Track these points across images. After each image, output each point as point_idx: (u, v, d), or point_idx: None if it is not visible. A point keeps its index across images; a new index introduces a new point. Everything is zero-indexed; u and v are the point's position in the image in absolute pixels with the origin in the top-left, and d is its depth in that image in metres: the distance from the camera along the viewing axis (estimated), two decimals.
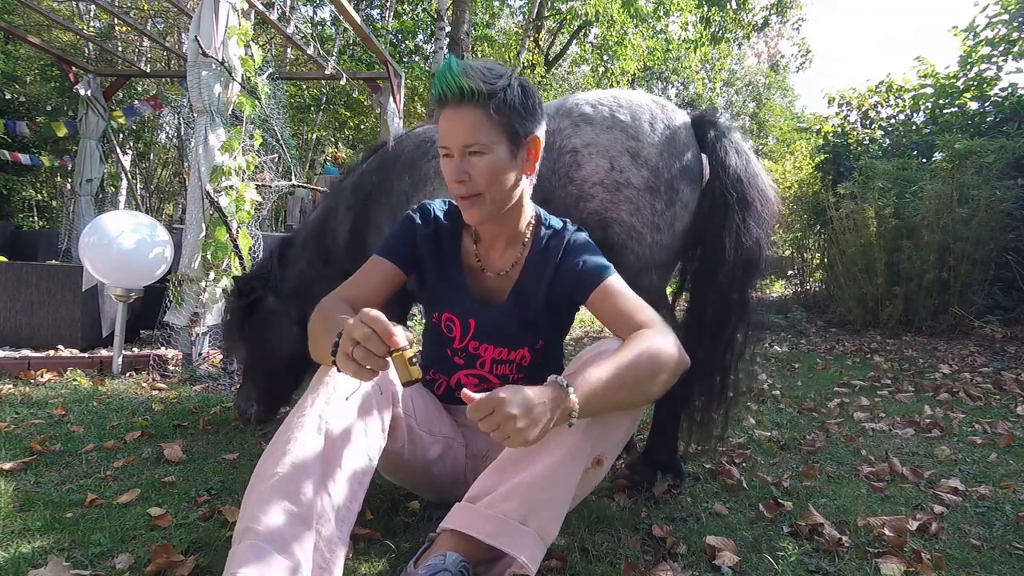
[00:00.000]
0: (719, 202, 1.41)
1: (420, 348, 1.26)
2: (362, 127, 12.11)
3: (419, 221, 1.19)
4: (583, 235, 1.18)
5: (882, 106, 6.62)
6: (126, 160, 8.98)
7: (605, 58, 11.07)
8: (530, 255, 1.18)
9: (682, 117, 1.51)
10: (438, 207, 1.22)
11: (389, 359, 0.84)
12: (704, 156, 1.49)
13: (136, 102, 6.04)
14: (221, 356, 2.93)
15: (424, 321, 1.31)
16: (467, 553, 0.92)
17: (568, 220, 1.22)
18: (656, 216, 1.41)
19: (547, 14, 10.63)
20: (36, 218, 10.60)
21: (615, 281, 1.10)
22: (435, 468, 1.19)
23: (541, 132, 1.10)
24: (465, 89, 1.00)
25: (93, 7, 8.85)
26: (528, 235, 1.18)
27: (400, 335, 0.82)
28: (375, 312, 0.84)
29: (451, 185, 1.06)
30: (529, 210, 1.18)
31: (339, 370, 0.87)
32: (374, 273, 1.13)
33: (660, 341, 0.98)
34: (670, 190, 1.42)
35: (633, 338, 1.00)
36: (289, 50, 10.76)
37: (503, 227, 1.15)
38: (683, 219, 1.45)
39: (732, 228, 1.40)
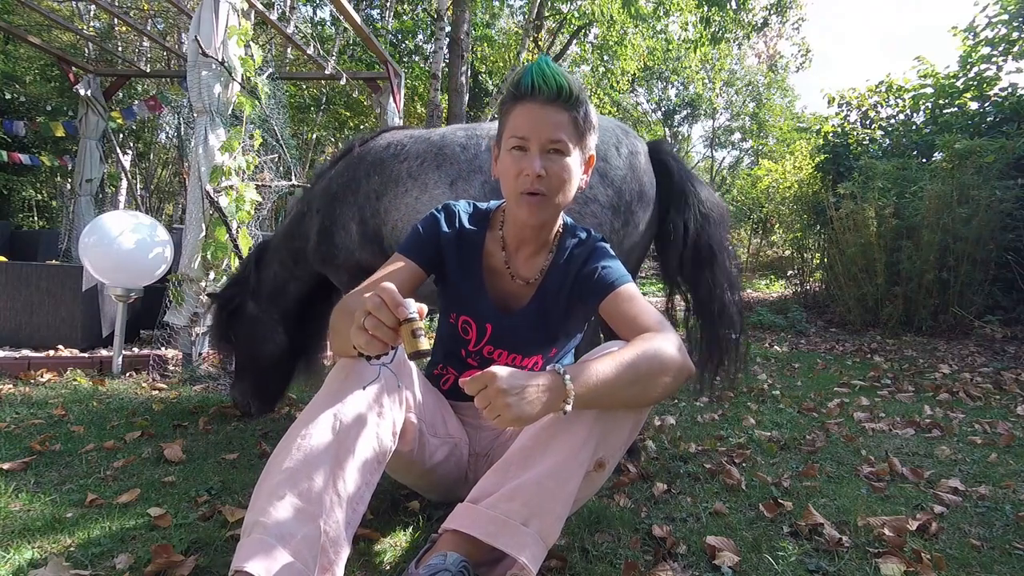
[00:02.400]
0: (683, 220, 1.64)
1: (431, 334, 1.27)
2: (362, 127, 12.10)
3: (443, 222, 1.18)
4: (606, 245, 1.18)
5: (882, 106, 6.62)
6: (126, 160, 8.99)
7: (605, 58, 11.07)
8: (554, 263, 1.18)
9: (642, 144, 1.67)
10: (462, 209, 1.21)
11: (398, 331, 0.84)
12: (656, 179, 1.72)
13: (135, 104, 6.02)
14: (221, 356, 2.94)
15: (438, 319, 1.31)
16: (468, 553, 0.92)
17: (592, 229, 1.22)
18: (613, 233, 1.57)
19: (547, 14, 10.62)
20: (36, 218, 10.61)
21: (629, 288, 1.10)
22: (440, 469, 1.19)
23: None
24: (564, 89, 1.02)
25: (93, 7, 8.85)
26: (555, 243, 1.19)
27: (409, 306, 0.82)
28: (387, 284, 0.85)
29: (522, 178, 1.04)
30: (560, 219, 1.19)
31: (360, 354, 0.87)
32: (396, 271, 1.12)
33: (663, 344, 0.98)
34: (627, 211, 1.59)
35: (637, 339, 1.00)
36: (289, 50, 10.76)
37: (539, 233, 1.15)
38: (632, 237, 1.63)
39: (702, 241, 1.63)
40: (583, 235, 1.20)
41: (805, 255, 7.12)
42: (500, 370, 0.85)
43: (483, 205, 1.24)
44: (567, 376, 0.89)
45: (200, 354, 3.00)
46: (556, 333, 1.21)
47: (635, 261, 1.71)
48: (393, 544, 1.19)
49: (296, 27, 7.87)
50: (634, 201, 1.60)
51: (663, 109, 23.07)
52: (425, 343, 0.83)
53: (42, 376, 2.63)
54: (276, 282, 2.04)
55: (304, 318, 2.12)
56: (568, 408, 0.89)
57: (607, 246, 1.18)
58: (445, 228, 1.18)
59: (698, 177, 1.72)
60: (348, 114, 12.22)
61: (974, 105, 5.69)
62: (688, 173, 1.69)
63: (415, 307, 0.83)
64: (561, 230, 1.20)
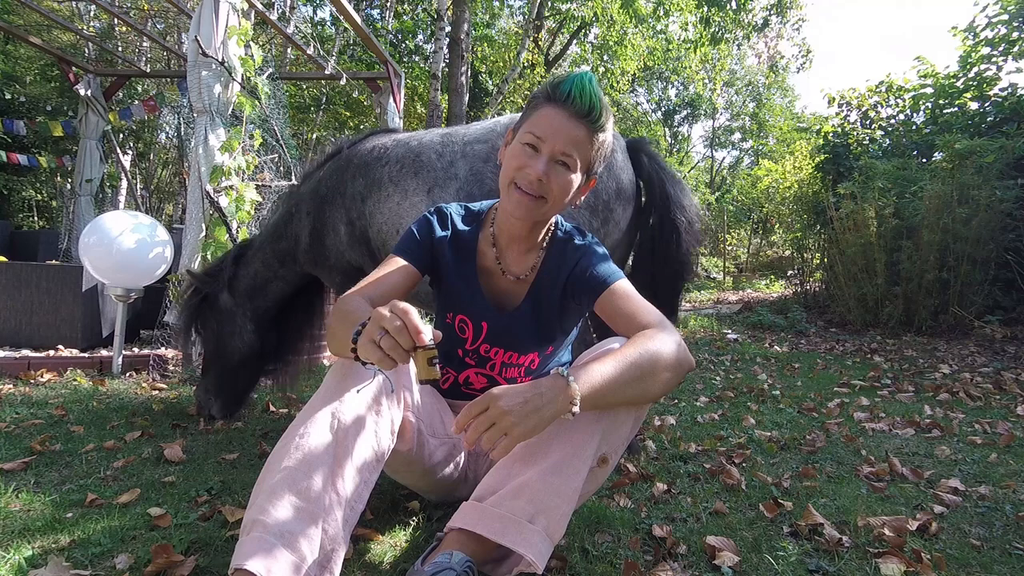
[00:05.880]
0: (657, 223, 1.64)
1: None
2: (362, 127, 12.10)
3: (436, 224, 1.20)
4: (597, 244, 1.20)
5: (882, 106, 6.62)
6: (126, 160, 8.99)
7: (605, 58, 11.07)
8: (546, 261, 1.19)
9: (619, 143, 1.67)
10: (455, 211, 1.23)
11: (411, 354, 0.84)
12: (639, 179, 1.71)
13: (131, 105, 6.02)
14: (183, 349, 2.90)
15: (435, 319, 1.31)
16: (474, 552, 0.92)
17: (583, 228, 1.24)
18: (593, 232, 1.58)
19: (547, 14, 10.63)
20: (36, 218, 10.62)
21: (623, 284, 1.11)
22: (439, 469, 1.19)
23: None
24: (596, 110, 1.04)
25: (93, 7, 8.85)
26: (546, 242, 1.20)
27: (427, 333, 0.83)
28: (406, 305, 0.85)
29: (522, 172, 1.05)
30: (552, 219, 1.21)
31: (357, 357, 0.87)
32: (393, 272, 1.13)
33: (663, 341, 0.99)
34: (606, 210, 1.60)
35: (637, 337, 1.00)
36: (289, 50, 10.75)
37: (529, 232, 1.16)
38: (614, 235, 1.63)
39: (672, 242, 1.63)
40: (576, 235, 1.21)
41: (805, 255, 7.12)
42: (498, 390, 0.87)
43: (475, 206, 1.26)
44: (571, 379, 0.89)
45: (200, 354, 2.99)
46: (551, 330, 1.22)
47: (618, 259, 1.71)
48: (393, 544, 1.19)
49: (296, 27, 7.87)
50: (612, 200, 1.61)
51: (663, 109, 23.08)
52: (438, 371, 0.84)
53: (42, 376, 2.63)
54: (256, 279, 2.03)
55: (282, 321, 2.11)
56: (575, 410, 0.90)
57: (599, 247, 1.20)
58: (438, 230, 1.20)
59: (677, 179, 1.69)
60: (348, 114, 12.23)
61: (974, 105, 5.68)
62: (665, 176, 1.67)
63: (431, 334, 0.84)
64: (553, 229, 1.21)
